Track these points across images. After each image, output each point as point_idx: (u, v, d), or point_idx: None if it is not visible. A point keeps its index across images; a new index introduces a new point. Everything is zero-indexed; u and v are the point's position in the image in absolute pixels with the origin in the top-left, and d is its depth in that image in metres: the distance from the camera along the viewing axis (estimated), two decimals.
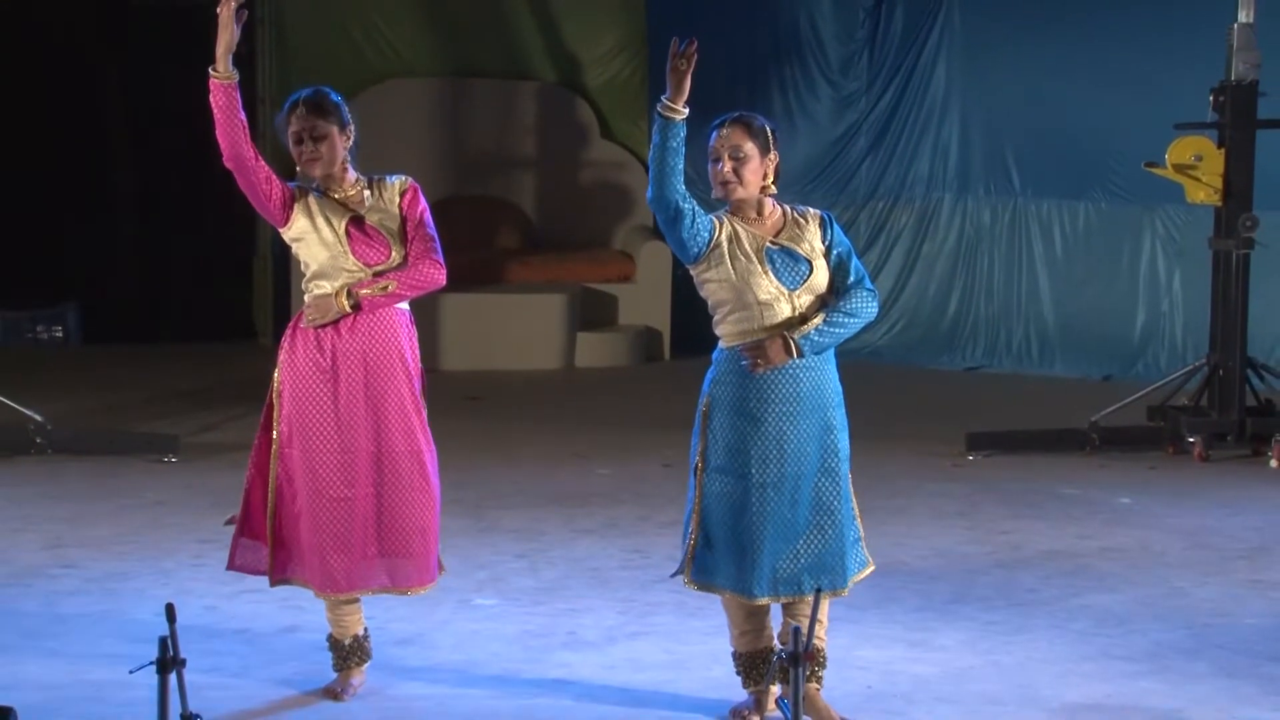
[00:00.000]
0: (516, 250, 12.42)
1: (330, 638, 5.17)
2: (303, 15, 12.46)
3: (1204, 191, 8.91)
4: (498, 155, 12.80)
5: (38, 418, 8.52)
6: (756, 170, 4.75)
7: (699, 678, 5.28)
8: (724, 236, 4.75)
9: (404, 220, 5.08)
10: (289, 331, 5.11)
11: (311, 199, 5.04)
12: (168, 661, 3.87)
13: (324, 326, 5.01)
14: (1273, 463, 8.66)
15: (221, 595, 6.04)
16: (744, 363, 4.72)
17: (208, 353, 12.10)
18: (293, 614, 5.80)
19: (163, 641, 3.90)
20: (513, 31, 12.76)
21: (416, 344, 5.17)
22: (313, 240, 5.03)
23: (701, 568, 4.81)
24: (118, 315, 12.81)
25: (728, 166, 4.73)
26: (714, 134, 4.76)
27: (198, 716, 3.97)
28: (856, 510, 4.92)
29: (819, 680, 4.87)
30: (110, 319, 12.75)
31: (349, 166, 5.09)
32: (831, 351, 4.84)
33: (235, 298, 12.80)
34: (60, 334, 12.61)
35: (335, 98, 5.08)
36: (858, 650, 5.52)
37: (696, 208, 4.72)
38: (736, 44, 12.32)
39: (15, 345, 12.37)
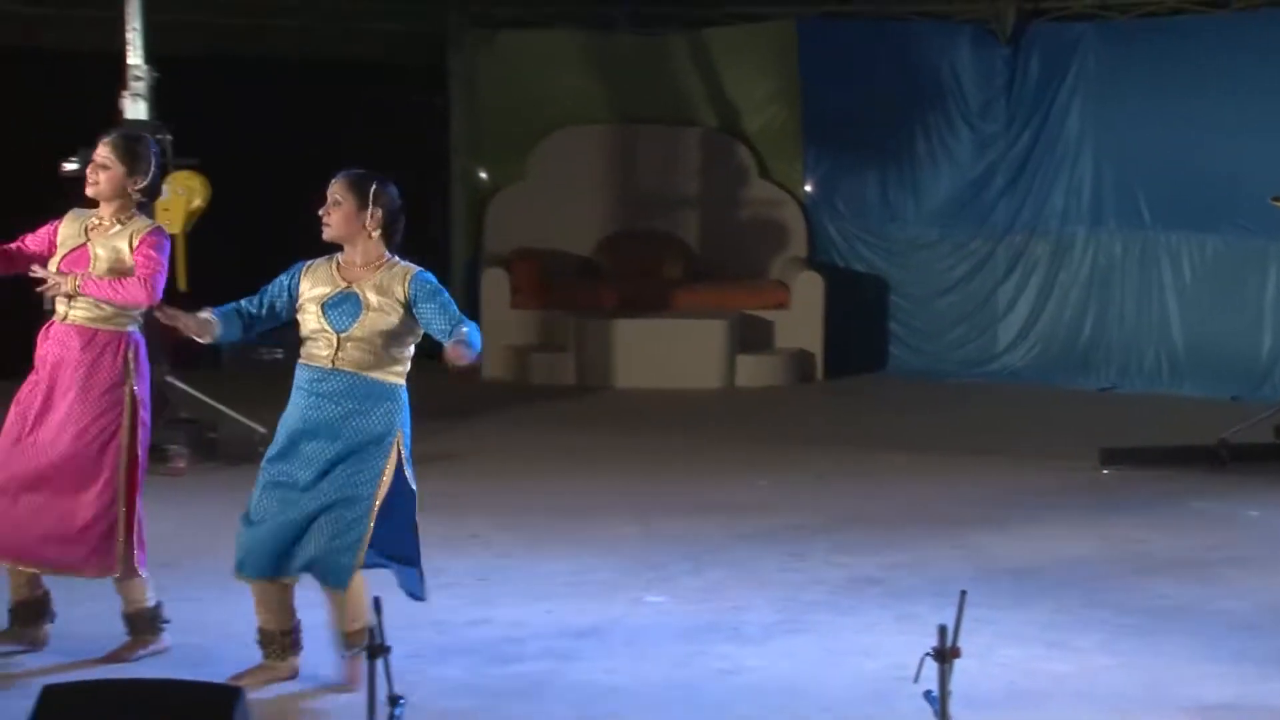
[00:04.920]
0: (681, 280, 12.48)
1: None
2: (491, 70, 12.67)
3: None
4: (664, 194, 12.87)
5: (260, 429, 8.79)
6: (349, 217, 4.93)
7: (850, 670, 5.28)
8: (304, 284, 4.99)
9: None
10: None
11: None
12: (376, 649, 3.96)
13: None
14: None
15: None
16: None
17: None
18: (483, 609, 5.91)
19: (370, 631, 3.99)
20: (677, 82, 12.83)
21: (125, 358, 5.19)
22: None
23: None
24: None
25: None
26: None
27: (401, 698, 4.06)
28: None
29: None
30: None
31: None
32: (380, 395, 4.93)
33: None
34: (280, 355, 12.90)
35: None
36: (999, 649, 5.47)
37: (267, 302, 5.02)
38: (882, 90, 12.23)
39: (242, 367, 12.72)
